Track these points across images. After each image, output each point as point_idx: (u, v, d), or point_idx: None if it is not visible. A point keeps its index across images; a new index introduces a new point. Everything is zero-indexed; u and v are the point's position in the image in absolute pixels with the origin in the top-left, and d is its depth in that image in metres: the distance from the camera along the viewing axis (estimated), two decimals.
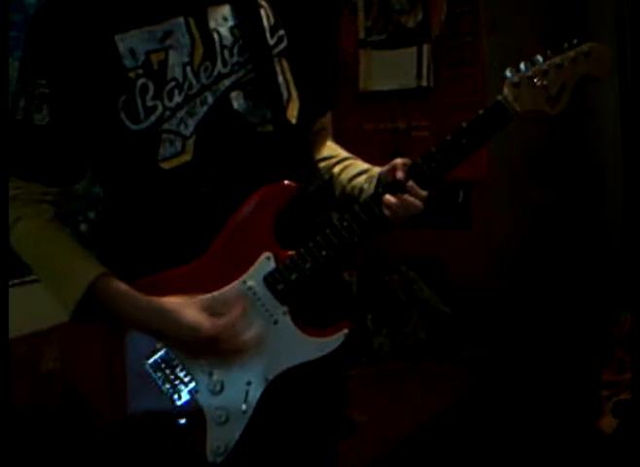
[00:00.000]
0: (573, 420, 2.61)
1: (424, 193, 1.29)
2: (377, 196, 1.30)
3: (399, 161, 1.33)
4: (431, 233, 3.24)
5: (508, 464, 2.54)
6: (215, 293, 1.28)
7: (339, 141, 1.57)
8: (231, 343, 1.25)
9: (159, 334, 1.27)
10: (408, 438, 2.48)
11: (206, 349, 1.26)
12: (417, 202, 1.28)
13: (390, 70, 3.30)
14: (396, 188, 1.29)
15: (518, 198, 3.17)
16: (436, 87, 3.19)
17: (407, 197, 1.28)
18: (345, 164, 1.47)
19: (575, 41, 1.30)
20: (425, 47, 3.19)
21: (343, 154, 1.51)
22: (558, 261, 3.21)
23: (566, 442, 2.54)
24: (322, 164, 1.49)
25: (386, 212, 1.29)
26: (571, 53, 1.29)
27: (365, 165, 1.46)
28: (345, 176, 1.45)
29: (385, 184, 1.32)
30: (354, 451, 2.25)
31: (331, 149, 1.52)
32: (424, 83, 3.20)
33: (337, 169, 1.47)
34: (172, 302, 1.25)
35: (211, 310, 1.25)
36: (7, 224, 1.30)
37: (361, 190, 1.40)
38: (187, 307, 1.24)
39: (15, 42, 1.82)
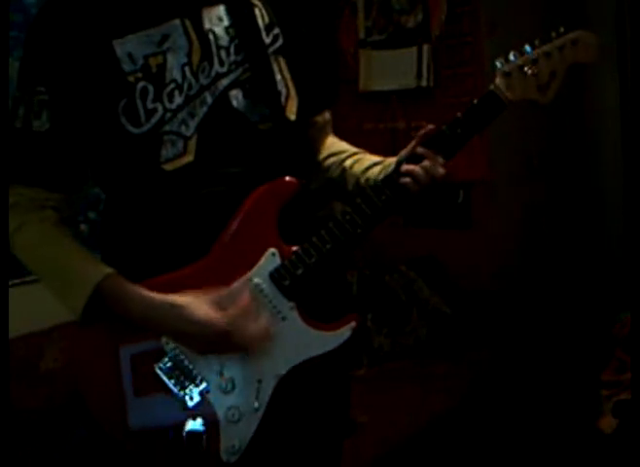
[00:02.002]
0: (573, 420, 2.61)
1: (442, 159, 1.31)
2: (378, 188, 1.31)
3: (415, 140, 1.35)
4: (431, 233, 3.24)
5: (508, 464, 2.54)
6: (223, 290, 1.28)
7: None
8: (242, 337, 1.25)
9: (169, 331, 1.26)
10: (408, 438, 2.48)
11: (218, 345, 1.25)
12: (438, 167, 1.30)
13: (390, 70, 3.30)
14: (414, 159, 1.32)
15: (518, 198, 3.17)
16: (436, 87, 3.19)
17: (426, 162, 1.31)
18: (357, 158, 1.48)
19: (562, 29, 1.34)
20: (425, 47, 3.19)
21: (353, 149, 1.52)
22: (558, 261, 3.21)
23: (566, 442, 2.54)
24: (332, 160, 1.50)
25: (406, 180, 1.30)
26: (559, 42, 1.33)
27: (377, 158, 1.47)
28: (359, 168, 1.45)
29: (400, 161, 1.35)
30: (354, 451, 2.25)
31: (339, 145, 1.53)
32: (424, 83, 3.19)
33: (348, 162, 1.48)
34: (182, 299, 1.25)
35: (221, 306, 1.25)
36: (7, 224, 1.30)
37: (376, 180, 1.40)
38: (197, 304, 1.24)
39: (15, 42, 1.82)
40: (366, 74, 3.39)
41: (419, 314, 3.09)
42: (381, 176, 1.38)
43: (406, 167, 1.31)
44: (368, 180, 1.42)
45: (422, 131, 1.34)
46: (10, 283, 1.33)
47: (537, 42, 1.33)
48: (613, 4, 3.04)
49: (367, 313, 3.03)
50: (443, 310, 3.11)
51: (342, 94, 3.45)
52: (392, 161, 1.40)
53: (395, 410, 2.58)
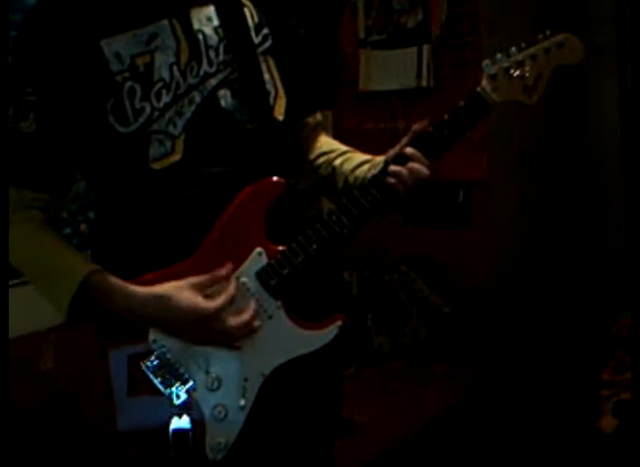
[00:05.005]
0: (573, 420, 2.61)
1: (427, 161, 1.32)
2: (364, 188, 1.31)
3: (404, 139, 1.35)
4: (431, 233, 3.25)
5: (508, 464, 2.54)
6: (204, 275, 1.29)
7: (339, 141, 1.57)
8: (228, 322, 1.26)
9: (156, 322, 1.27)
10: (407, 438, 2.48)
11: (206, 331, 1.26)
12: (423, 169, 1.31)
13: (390, 70, 3.30)
14: (401, 160, 1.32)
15: (518, 198, 3.17)
16: (436, 87, 3.19)
17: (412, 164, 1.31)
18: (346, 157, 1.49)
19: (548, 32, 1.35)
20: (425, 47, 3.19)
21: (343, 147, 1.53)
22: (558, 261, 3.21)
23: (566, 442, 2.54)
24: (322, 159, 1.51)
25: (392, 181, 1.31)
26: (545, 44, 1.34)
27: (366, 156, 1.47)
28: (348, 167, 1.46)
29: (388, 161, 1.36)
30: (354, 451, 2.26)
31: (330, 144, 1.54)
32: (424, 83, 3.20)
33: (338, 162, 1.48)
34: (166, 288, 1.25)
35: (205, 291, 1.26)
36: (7, 224, 1.30)
37: (364, 179, 1.41)
38: (181, 290, 1.25)
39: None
40: (366, 74, 3.40)
41: (419, 314, 3.09)
42: (369, 175, 1.38)
43: (392, 168, 1.32)
44: (356, 178, 1.43)
45: (410, 131, 1.35)
46: (10, 283, 1.33)
47: (523, 44, 1.34)
48: (613, 4, 3.04)
49: (367, 313, 3.03)
50: (443, 310, 3.11)
51: (342, 94, 3.46)
52: (380, 159, 1.41)
53: (395, 409, 2.58)
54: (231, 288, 1.27)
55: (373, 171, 1.37)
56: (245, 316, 1.27)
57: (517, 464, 2.54)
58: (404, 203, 1.36)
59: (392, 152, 1.37)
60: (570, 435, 2.56)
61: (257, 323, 1.28)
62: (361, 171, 1.43)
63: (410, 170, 1.31)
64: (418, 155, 1.31)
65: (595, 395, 2.58)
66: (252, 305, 1.28)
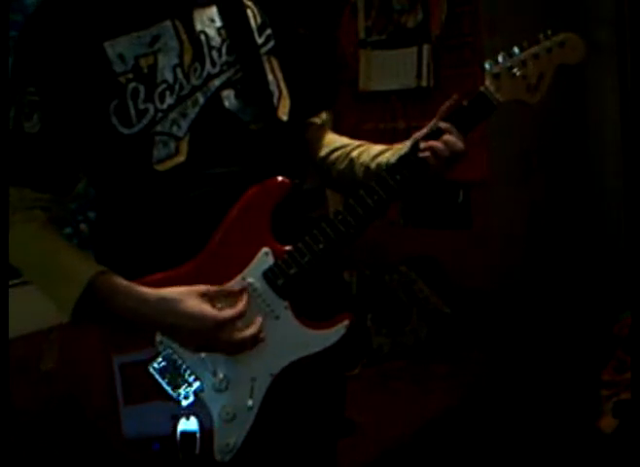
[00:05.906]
0: (573, 420, 2.61)
1: (461, 135, 1.31)
2: (370, 188, 1.31)
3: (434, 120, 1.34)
4: (431, 233, 3.24)
5: (508, 464, 2.54)
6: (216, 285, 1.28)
7: None
8: (234, 335, 1.25)
9: (162, 325, 1.26)
10: (408, 438, 2.48)
11: (210, 340, 1.25)
12: (459, 141, 1.30)
13: (390, 70, 3.30)
14: (434, 136, 1.31)
15: (518, 198, 3.17)
16: (436, 87, 3.19)
17: (447, 136, 1.30)
18: (364, 148, 1.48)
19: (549, 32, 1.36)
20: (425, 47, 3.19)
21: (357, 141, 1.52)
22: (558, 261, 3.21)
23: (566, 442, 2.54)
24: (337, 153, 1.50)
25: (426, 154, 1.29)
26: (547, 44, 1.35)
27: (384, 146, 1.46)
28: (367, 156, 1.45)
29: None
30: (354, 451, 2.25)
31: (342, 140, 1.53)
32: (424, 83, 3.19)
33: (355, 153, 1.47)
34: (174, 292, 1.25)
35: (214, 301, 1.26)
36: (7, 224, 1.30)
37: (387, 165, 1.39)
38: (190, 297, 1.24)
39: (15, 42, 1.82)
40: (366, 74, 3.39)
41: (419, 314, 3.09)
42: (394, 158, 1.36)
43: (425, 143, 1.30)
44: (379, 165, 1.41)
45: (442, 109, 1.34)
46: (10, 283, 1.33)
47: (525, 44, 1.35)
48: (613, 4, 3.04)
49: (367, 313, 3.03)
50: (443, 310, 3.11)
51: (342, 94, 3.46)
52: (402, 146, 1.40)
53: (395, 410, 2.58)
54: (241, 304, 1.27)
55: (400, 152, 1.36)
56: (251, 330, 1.26)
57: (517, 464, 2.54)
58: (428, 185, 1.34)
59: (418, 134, 1.35)
60: (570, 435, 2.56)
61: (262, 335, 1.28)
62: (383, 157, 1.42)
63: (446, 143, 1.30)
64: (452, 128, 1.30)
65: (595, 395, 2.57)
66: (259, 319, 1.28)
